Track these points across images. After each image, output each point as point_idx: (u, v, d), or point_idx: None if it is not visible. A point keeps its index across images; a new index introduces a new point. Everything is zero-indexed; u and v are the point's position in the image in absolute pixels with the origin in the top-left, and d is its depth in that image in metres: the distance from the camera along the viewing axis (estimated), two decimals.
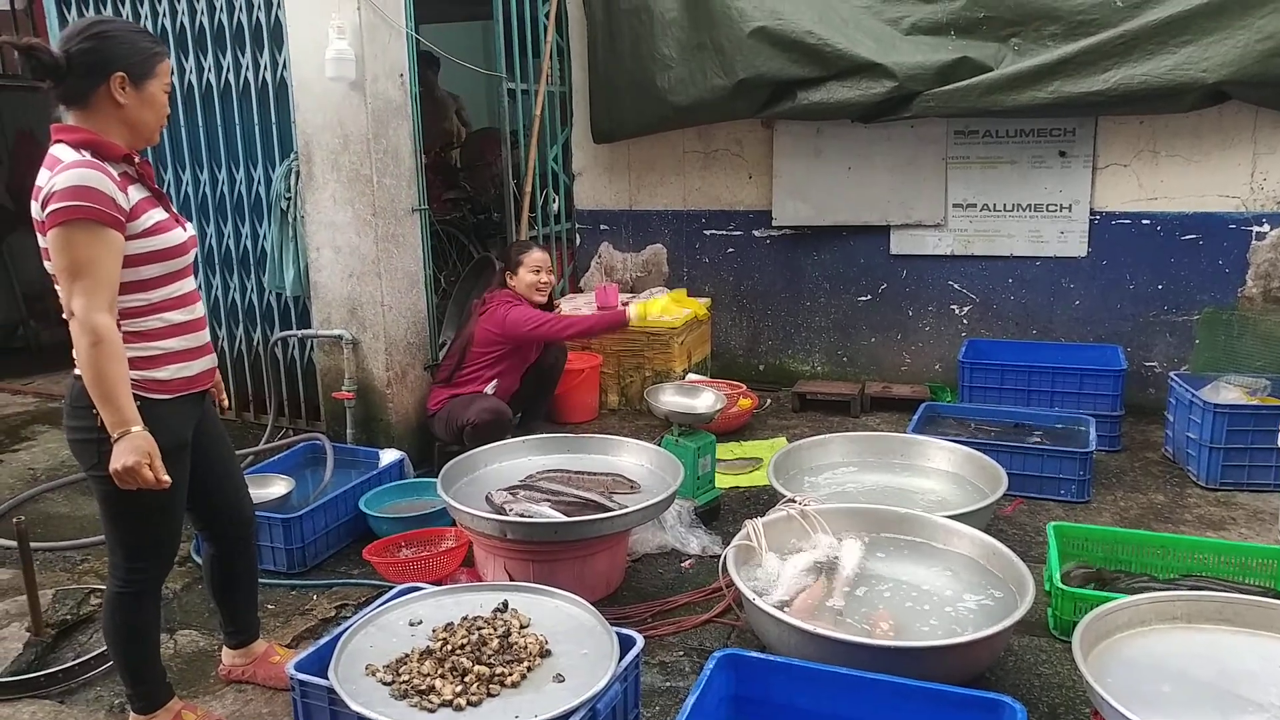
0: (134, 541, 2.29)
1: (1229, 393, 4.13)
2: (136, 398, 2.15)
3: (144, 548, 2.31)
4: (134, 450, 2.05)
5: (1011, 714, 2.00)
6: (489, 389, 4.17)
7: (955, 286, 5.30)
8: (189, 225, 2.36)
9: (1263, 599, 2.44)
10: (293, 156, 4.34)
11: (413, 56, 4.28)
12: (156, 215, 2.21)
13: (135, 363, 2.18)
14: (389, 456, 3.97)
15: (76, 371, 2.11)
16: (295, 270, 4.43)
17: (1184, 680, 2.18)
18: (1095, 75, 4.43)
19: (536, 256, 4.29)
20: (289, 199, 4.37)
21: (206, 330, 2.39)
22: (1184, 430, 4.15)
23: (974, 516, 3.14)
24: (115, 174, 2.11)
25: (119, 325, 2.14)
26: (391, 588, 2.66)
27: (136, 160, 2.23)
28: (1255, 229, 4.66)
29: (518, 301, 4.21)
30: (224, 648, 2.75)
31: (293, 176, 4.34)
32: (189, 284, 2.33)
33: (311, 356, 4.60)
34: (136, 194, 2.17)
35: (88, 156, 2.09)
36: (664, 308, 3.73)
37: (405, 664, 2.21)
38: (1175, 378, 4.29)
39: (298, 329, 4.59)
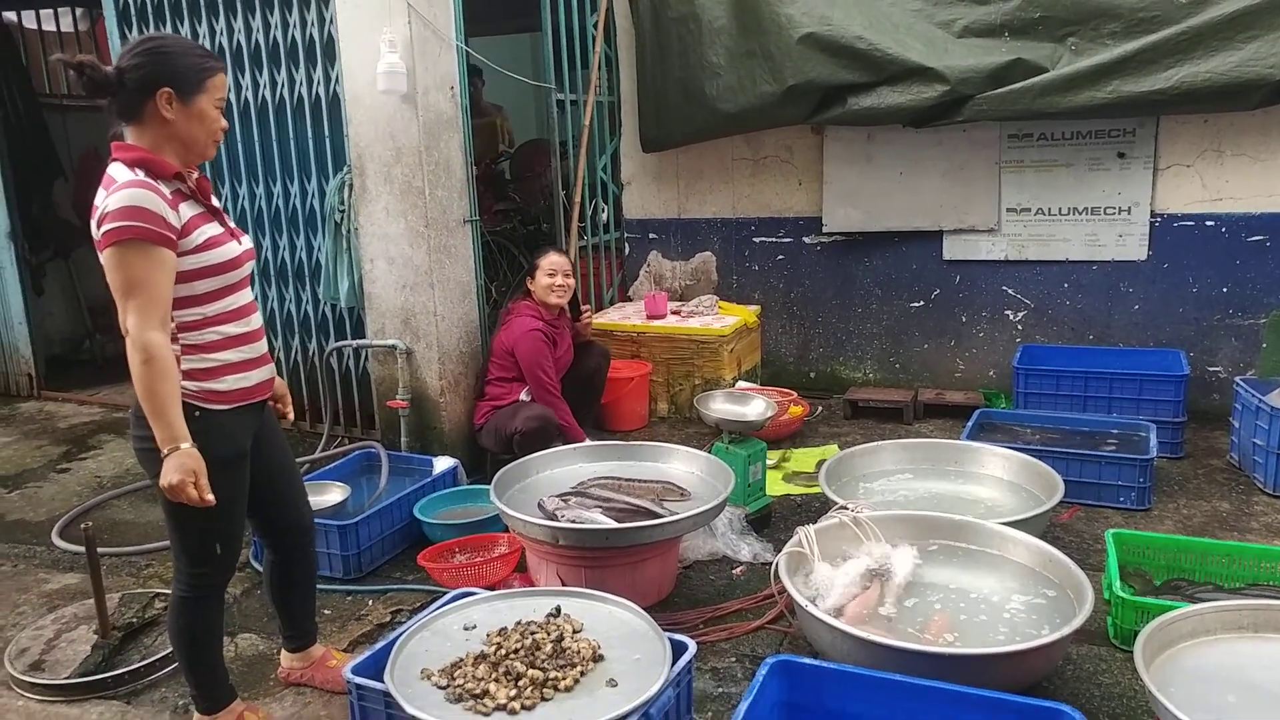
0: (197, 548, 2.35)
1: None
2: (196, 408, 2.20)
3: (206, 554, 2.36)
4: (179, 469, 2.09)
5: None
6: (524, 395, 4.19)
7: (1009, 292, 5.21)
8: (245, 238, 2.39)
9: None
10: (345, 169, 4.42)
11: (463, 69, 4.34)
12: (209, 231, 2.24)
13: (194, 374, 2.23)
14: (442, 464, 4.02)
15: None
16: (350, 281, 4.51)
17: (1250, 691, 2.13)
18: (1156, 74, 4.33)
19: (553, 259, 4.29)
20: (343, 211, 4.45)
21: (264, 341, 2.43)
22: (1250, 436, 4.03)
23: (1030, 523, 3.08)
24: (167, 192, 2.15)
25: (177, 338, 2.19)
26: (445, 593, 2.69)
27: (194, 176, 2.27)
28: None
29: (539, 325, 4.20)
30: (283, 651, 2.81)
31: (346, 189, 4.42)
32: (245, 296, 2.35)
33: (366, 366, 4.68)
34: (188, 211, 2.20)
35: (141, 176, 2.13)
36: None
37: (460, 668, 2.24)
38: (1241, 382, 4.17)
39: (352, 339, 4.67)
